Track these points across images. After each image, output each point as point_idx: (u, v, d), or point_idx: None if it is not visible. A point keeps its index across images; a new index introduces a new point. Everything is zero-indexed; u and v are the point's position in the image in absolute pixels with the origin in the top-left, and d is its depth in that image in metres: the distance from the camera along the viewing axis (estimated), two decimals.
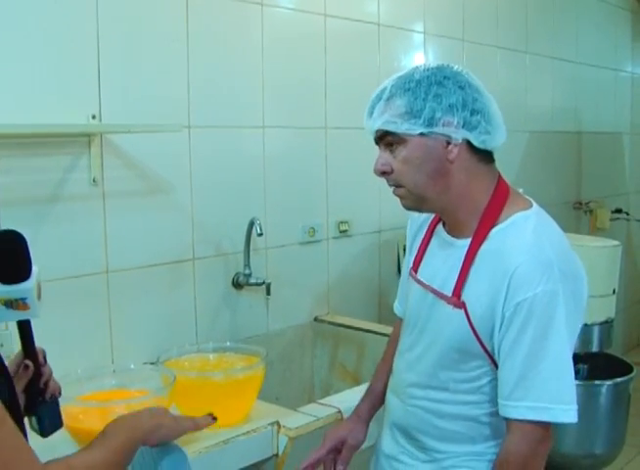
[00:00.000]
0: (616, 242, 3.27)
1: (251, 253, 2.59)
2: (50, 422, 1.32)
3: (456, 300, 1.45)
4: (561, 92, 4.52)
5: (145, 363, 2.23)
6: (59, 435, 1.68)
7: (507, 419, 1.42)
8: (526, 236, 1.41)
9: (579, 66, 4.65)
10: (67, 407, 1.68)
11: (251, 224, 2.53)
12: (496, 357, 1.44)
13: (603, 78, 4.97)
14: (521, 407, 1.39)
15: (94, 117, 2.13)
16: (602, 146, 5.01)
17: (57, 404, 1.34)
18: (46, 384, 1.31)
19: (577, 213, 4.74)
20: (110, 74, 2.18)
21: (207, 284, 2.52)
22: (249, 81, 2.61)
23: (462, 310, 1.44)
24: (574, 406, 1.39)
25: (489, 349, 1.44)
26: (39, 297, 1.20)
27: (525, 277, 1.37)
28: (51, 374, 1.33)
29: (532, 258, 1.38)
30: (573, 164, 4.73)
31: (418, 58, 3.36)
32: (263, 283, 2.59)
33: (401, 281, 1.81)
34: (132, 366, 2.07)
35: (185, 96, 2.39)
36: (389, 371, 1.75)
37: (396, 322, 1.85)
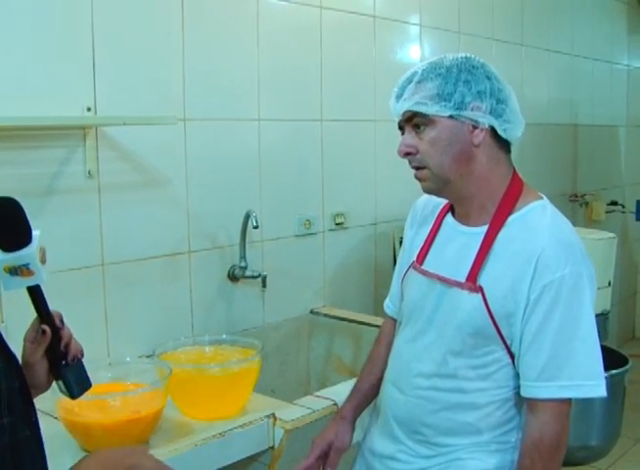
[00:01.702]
0: (611, 234, 3.28)
1: (247, 245, 2.59)
2: (77, 384, 1.30)
3: (471, 284, 1.47)
4: (556, 85, 4.52)
5: (141, 356, 2.23)
6: (55, 429, 1.69)
7: (533, 400, 1.44)
8: (547, 221, 1.47)
9: (575, 58, 4.65)
10: (62, 401, 1.68)
11: (247, 217, 2.52)
12: (510, 342, 1.47)
13: (599, 71, 4.96)
14: (552, 387, 1.42)
15: (89, 109, 2.13)
16: (598, 138, 5.01)
17: (81, 365, 1.32)
18: (67, 347, 1.29)
19: (573, 206, 4.74)
20: (105, 67, 2.17)
21: (203, 277, 2.52)
22: (244, 74, 2.60)
23: (479, 295, 1.46)
24: (603, 381, 1.43)
25: (504, 333, 1.46)
26: (44, 261, 1.22)
27: (551, 259, 1.41)
28: (71, 336, 1.30)
29: (557, 240, 1.43)
30: (569, 156, 4.73)
31: (414, 50, 3.35)
32: (259, 276, 2.59)
33: (395, 279, 1.80)
34: (128, 359, 2.07)
35: (180, 89, 2.39)
36: (377, 371, 1.75)
37: (386, 321, 1.85)
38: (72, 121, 2.11)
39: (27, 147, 2.03)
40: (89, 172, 2.15)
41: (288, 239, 2.82)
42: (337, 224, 3.01)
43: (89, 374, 1.33)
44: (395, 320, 1.78)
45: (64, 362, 1.28)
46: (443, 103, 1.44)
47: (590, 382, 1.42)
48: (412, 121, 1.49)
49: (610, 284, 3.21)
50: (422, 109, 1.45)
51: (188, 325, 2.47)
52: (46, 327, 1.25)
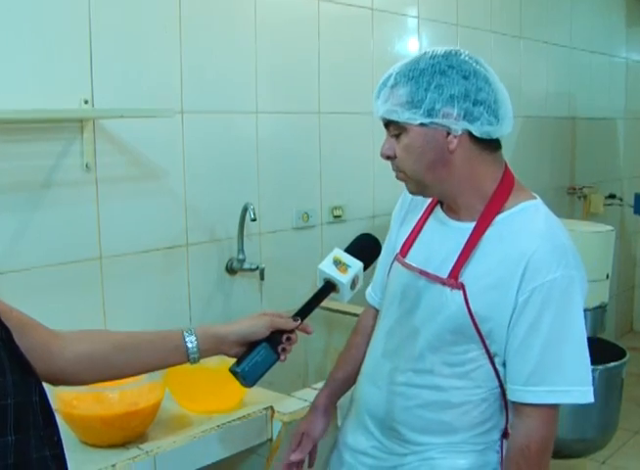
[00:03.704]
0: (609, 227, 3.28)
1: (245, 238, 2.59)
2: (250, 367, 1.49)
3: (453, 281, 1.45)
4: (555, 77, 4.51)
5: None
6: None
7: (521, 404, 1.43)
8: (539, 223, 1.44)
9: (573, 51, 4.64)
10: (60, 393, 1.68)
11: (245, 209, 2.52)
12: (490, 342, 1.45)
13: (597, 64, 4.96)
14: (540, 392, 1.40)
15: (86, 102, 2.12)
16: (596, 131, 5.01)
17: (266, 361, 1.53)
18: (283, 350, 1.55)
19: (571, 199, 4.74)
20: (102, 59, 2.16)
21: (201, 269, 2.52)
22: (242, 66, 2.60)
23: (460, 291, 1.44)
24: (591, 387, 1.41)
25: (484, 332, 1.44)
26: (353, 287, 1.60)
27: (542, 262, 1.38)
28: (290, 349, 1.55)
29: (549, 243, 1.40)
30: (567, 149, 4.73)
31: (412, 43, 3.34)
32: (257, 268, 2.59)
33: (378, 268, 1.78)
34: None
35: (178, 81, 2.38)
36: (354, 360, 1.75)
37: (366, 310, 1.83)
38: (70, 114, 2.10)
39: (24, 140, 2.03)
40: (86, 165, 2.14)
41: (286, 232, 2.82)
42: (335, 217, 3.01)
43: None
44: (377, 310, 1.76)
45: (263, 343, 1.49)
46: (414, 110, 1.40)
47: (578, 388, 1.40)
48: (388, 127, 1.48)
49: (608, 277, 3.21)
50: (393, 117, 1.43)
51: (186, 318, 2.47)
52: (298, 318, 1.58)
